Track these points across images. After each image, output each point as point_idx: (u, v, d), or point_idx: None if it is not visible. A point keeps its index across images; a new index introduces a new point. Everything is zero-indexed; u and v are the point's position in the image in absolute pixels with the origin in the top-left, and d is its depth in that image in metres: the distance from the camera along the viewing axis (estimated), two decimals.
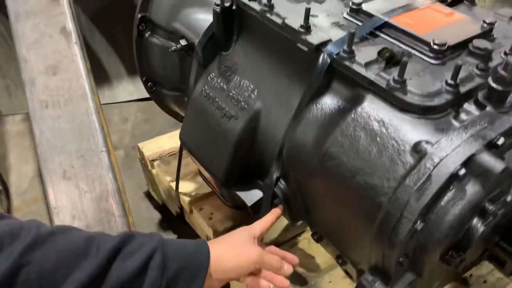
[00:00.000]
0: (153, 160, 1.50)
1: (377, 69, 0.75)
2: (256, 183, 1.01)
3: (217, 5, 0.95)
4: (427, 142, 0.66)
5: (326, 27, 0.86)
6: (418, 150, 0.66)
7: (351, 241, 0.83)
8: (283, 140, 0.88)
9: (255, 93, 0.96)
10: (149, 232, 0.73)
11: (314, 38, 0.81)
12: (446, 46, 0.76)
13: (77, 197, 1.05)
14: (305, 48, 0.83)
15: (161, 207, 1.67)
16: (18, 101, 2.25)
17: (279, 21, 0.87)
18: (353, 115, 0.75)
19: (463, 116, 0.70)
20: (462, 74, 0.72)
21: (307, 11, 0.81)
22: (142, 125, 2.18)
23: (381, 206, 0.69)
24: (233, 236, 0.85)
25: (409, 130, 0.70)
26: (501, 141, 0.65)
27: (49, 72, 1.25)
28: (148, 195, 1.75)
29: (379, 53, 0.76)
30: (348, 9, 0.90)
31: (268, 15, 0.89)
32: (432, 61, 0.77)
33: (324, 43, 0.80)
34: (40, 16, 1.35)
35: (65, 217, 1.01)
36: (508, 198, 0.67)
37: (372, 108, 0.74)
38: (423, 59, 0.78)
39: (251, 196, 1.00)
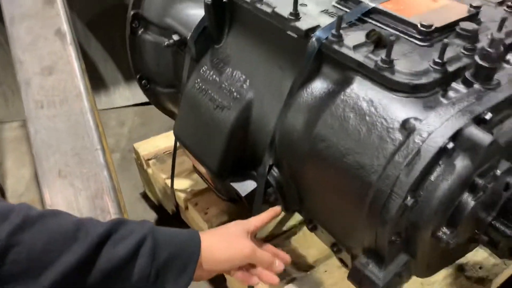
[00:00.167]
0: (148, 159, 1.50)
1: (365, 51, 0.76)
2: (250, 174, 1.01)
3: None
4: (416, 118, 0.67)
5: (315, 15, 0.87)
6: (406, 127, 0.67)
7: (345, 226, 0.83)
8: (275, 128, 0.88)
9: (247, 83, 0.96)
10: (141, 220, 0.73)
11: (303, 24, 0.82)
12: (433, 27, 0.77)
13: (72, 195, 1.04)
14: (295, 35, 0.84)
15: (157, 207, 1.67)
16: (15, 109, 2.24)
17: (269, 10, 0.88)
18: (342, 97, 0.75)
19: (451, 94, 0.71)
20: (449, 55, 0.73)
21: (296, 0, 0.83)
22: (138, 128, 2.19)
23: (371, 184, 0.69)
24: (227, 228, 0.85)
25: (398, 109, 0.70)
26: (488, 116, 0.65)
27: (44, 73, 1.26)
28: (144, 196, 1.75)
29: (367, 35, 0.77)
30: None
31: (258, 5, 0.90)
32: (420, 43, 0.78)
33: (313, 29, 0.81)
34: (35, 19, 1.37)
35: None
36: (498, 172, 0.67)
37: (361, 89, 0.74)
38: (411, 41, 0.79)
39: (245, 187, 1.00)
